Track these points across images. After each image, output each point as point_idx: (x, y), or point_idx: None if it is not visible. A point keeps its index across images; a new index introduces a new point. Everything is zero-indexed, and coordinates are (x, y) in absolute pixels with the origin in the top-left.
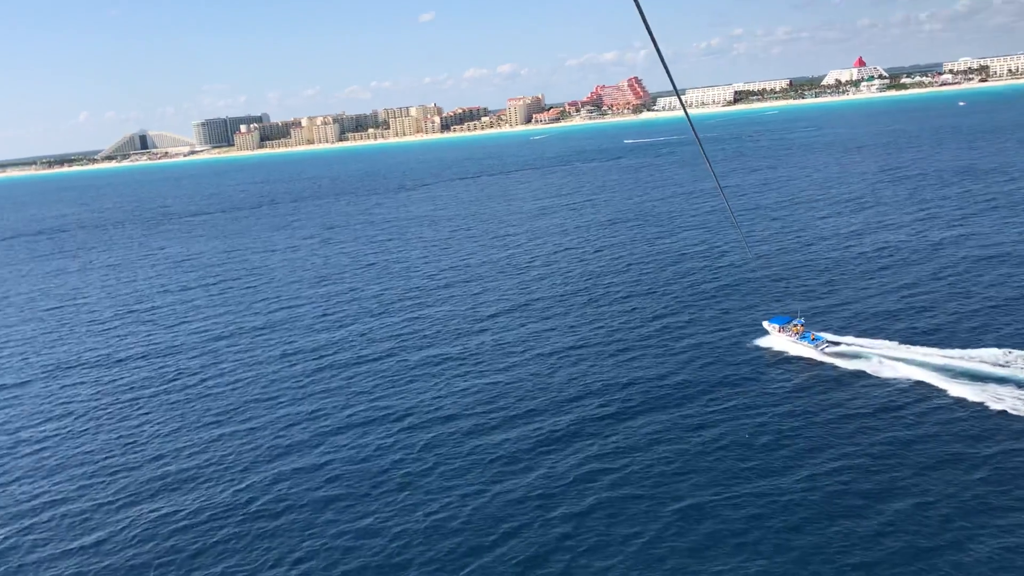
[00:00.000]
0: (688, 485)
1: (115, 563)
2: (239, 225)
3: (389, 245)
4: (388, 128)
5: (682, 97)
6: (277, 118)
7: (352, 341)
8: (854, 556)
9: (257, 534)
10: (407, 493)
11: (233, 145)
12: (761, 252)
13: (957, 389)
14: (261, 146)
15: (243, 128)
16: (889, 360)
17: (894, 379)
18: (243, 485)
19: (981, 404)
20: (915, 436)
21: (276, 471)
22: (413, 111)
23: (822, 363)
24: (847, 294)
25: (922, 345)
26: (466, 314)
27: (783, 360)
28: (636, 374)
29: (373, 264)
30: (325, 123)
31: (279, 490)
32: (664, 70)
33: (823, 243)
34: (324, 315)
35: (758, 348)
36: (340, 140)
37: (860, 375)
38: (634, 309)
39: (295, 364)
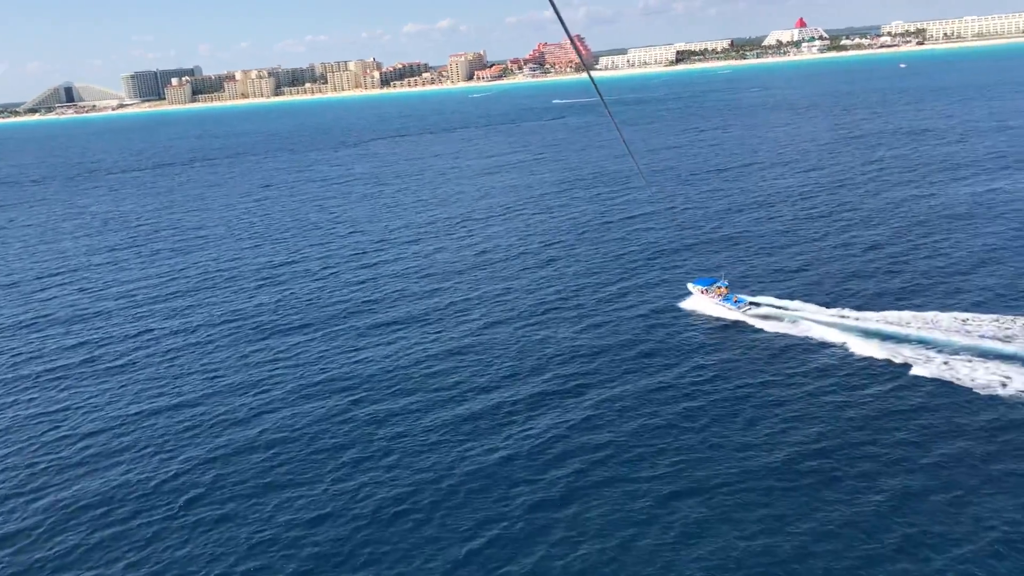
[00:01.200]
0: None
1: (28, 554)
2: (171, 182)
3: (332, 205)
4: (326, 83)
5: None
6: (209, 71)
7: (296, 307)
8: (776, 512)
9: (188, 524)
10: (356, 474)
11: (164, 99)
12: (695, 216)
13: (867, 349)
14: (193, 100)
15: (174, 81)
16: (807, 322)
17: (809, 339)
18: (174, 467)
19: (887, 361)
20: (822, 391)
21: (212, 450)
22: (352, 66)
23: (742, 325)
24: (775, 256)
25: (840, 307)
26: (411, 278)
27: (702, 323)
28: (560, 343)
29: (316, 225)
30: (260, 77)
31: (214, 472)
32: (564, 31)
33: (759, 205)
34: (265, 280)
35: (680, 311)
36: (276, 94)
37: (779, 336)
38: (563, 274)
39: (233, 332)
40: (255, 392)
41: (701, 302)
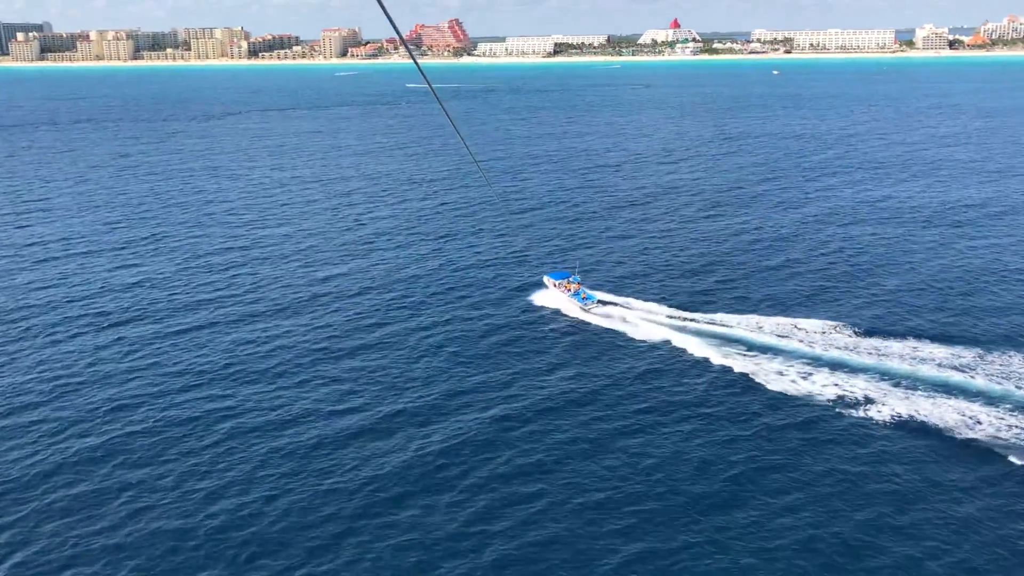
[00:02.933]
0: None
1: None
2: (12, 147)
3: (196, 181)
4: (189, 49)
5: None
6: (61, 28)
7: (154, 297)
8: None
9: None
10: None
11: (8, 55)
12: (559, 212)
13: (702, 350)
14: (41, 58)
15: (20, 36)
16: (648, 323)
17: (647, 341)
18: None
19: (724, 366)
20: (649, 393)
21: (28, 472)
22: (218, 33)
23: (584, 323)
24: (634, 256)
25: (686, 309)
26: (263, 265)
27: (548, 318)
28: (406, 335)
29: (182, 204)
30: (117, 38)
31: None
32: (389, 23)
33: (629, 204)
34: (120, 266)
35: (531, 305)
36: (135, 58)
37: (617, 335)
38: (428, 264)
39: (74, 328)
40: (99, 388)
41: (552, 296)
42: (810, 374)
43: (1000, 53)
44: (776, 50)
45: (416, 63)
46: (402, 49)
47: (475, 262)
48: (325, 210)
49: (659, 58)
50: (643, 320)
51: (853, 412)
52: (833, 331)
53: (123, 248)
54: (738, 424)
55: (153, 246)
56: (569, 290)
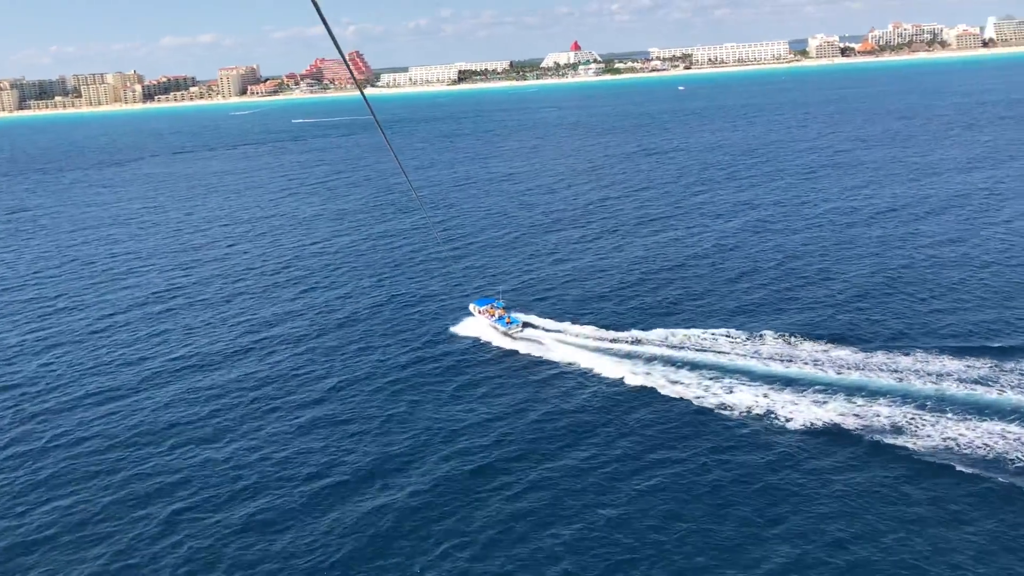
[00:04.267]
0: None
1: None
2: None
3: (102, 236)
4: (80, 96)
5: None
6: None
7: (71, 359)
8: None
9: None
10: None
11: None
12: (475, 238)
13: (617, 369)
14: None
15: None
16: (567, 345)
17: (563, 362)
18: None
19: (646, 387)
20: (571, 412)
21: None
22: (110, 78)
23: (503, 348)
24: (561, 277)
25: (608, 328)
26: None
27: (470, 347)
28: (331, 372)
29: (88, 262)
30: (1, 88)
31: None
32: (338, 52)
33: (556, 224)
34: (29, 335)
35: (454, 336)
36: (20, 108)
37: (537, 361)
38: (348, 296)
39: None
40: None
41: (477, 323)
42: (732, 387)
43: (888, 58)
44: (676, 66)
45: (362, 92)
46: (303, 84)
47: (403, 293)
48: (242, 252)
49: (564, 80)
50: (562, 342)
51: (759, 418)
52: (747, 341)
53: (29, 306)
54: (657, 439)
55: (65, 303)
56: (493, 315)
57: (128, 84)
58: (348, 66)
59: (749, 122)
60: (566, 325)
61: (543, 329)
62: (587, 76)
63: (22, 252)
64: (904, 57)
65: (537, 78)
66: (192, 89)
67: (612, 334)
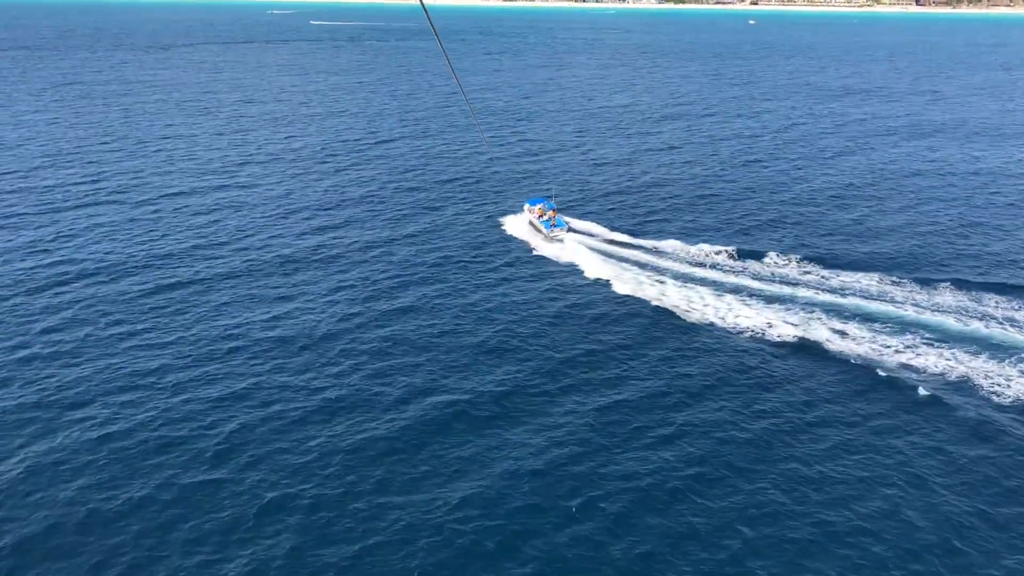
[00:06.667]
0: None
1: None
2: None
3: (152, 117)
4: None
5: None
6: None
7: (82, 255)
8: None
9: None
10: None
11: None
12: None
13: (631, 287)
14: None
15: None
16: (591, 251)
17: (594, 277)
18: None
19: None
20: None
21: None
22: None
23: (540, 255)
24: (617, 187)
25: (637, 236)
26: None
27: (504, 244)
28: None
29: (138, 143)
30: None
31: None
32: None
33: (615, 145)
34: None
35: (499, 232)
36: None
37: (565, 267)
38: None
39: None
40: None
41: (523, 221)
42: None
43: (965, 10)
44: (743, 1)
45: (422, 3)
46: None
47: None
48: (302, 148)
49: (622, 6)
50: (591, 248)
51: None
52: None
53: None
54: (659, 353)
55: (132, 182)
56: (543, 216)
57: None
58: None
59: (838, 63)
60: (613, 234)
61: (586, 234)
62: (648, 3)
63: (68, 127)
64: (983, 10)
65: (597, 1)
66: None
67: (634, 239)
